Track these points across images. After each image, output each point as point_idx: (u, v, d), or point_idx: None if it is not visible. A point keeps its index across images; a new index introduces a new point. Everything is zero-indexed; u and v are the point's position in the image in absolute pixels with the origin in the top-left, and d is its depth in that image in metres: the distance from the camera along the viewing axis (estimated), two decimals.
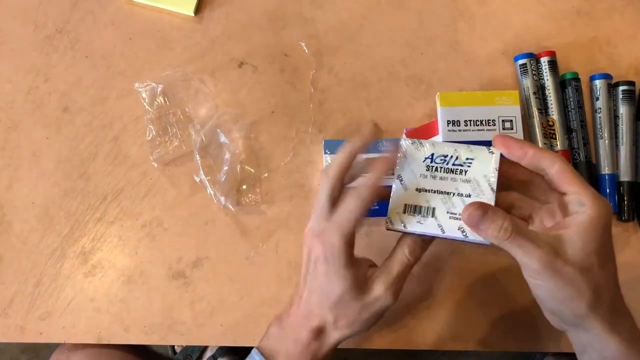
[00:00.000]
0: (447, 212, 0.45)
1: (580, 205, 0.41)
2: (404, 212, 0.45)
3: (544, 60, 0.63)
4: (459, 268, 0.60)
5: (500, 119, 0.60)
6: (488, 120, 0.60)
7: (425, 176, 0.46)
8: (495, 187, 0.44)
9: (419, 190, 0.45)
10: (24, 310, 0.60)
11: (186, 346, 1.09)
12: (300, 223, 0.61)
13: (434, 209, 0.45)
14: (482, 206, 0.41)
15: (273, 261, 0.60)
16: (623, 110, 0.61)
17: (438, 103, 0.60)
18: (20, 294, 0.60)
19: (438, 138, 0.60)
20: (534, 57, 0.63)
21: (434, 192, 0.45)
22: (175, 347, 1.13)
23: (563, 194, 0.43)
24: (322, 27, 0.66)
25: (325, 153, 0.61)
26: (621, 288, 0.60)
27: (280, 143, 0.63)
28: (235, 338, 0.59)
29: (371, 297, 0.45)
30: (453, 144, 0.46)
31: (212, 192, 0.60)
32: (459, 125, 0.60)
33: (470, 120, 0.60)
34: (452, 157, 0.45)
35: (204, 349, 1.06)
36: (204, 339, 0.60)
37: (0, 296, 0.60)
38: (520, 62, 0.63)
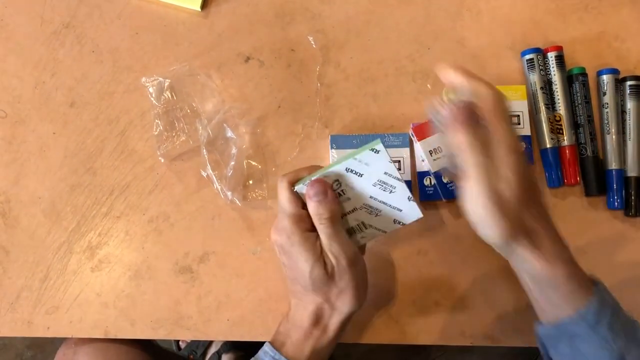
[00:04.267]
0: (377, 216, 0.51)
1: (496, 139, 0.43)
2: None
3: (551, 56, 0.62)
4: (466, 264, 0.60)
5: None
6: None
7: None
8: (399, 176, 0.49)
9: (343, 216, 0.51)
10: (31, 304, 0.60)
11: (191, 341, 1.09)
12: None
13: (363, 223, 0.52)
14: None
15: None
16: (630, 105, 0.61)
17: (445, 98, 0.60)
18: (27, 288, 0.60)
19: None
20: (541, 52, 0.63)
21: (356, 210, 0.51)
22: (180, 343, 1.13)
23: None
24: (329, 22, 0.66)
25: (332, 148, 0.61)
26: (629, 285, 0.61)
27: (286, 138, 0.63)
28: (242, 333, 0.59)
29: (328, 268, 0.48)
30: (337, 165, 0.49)
31: (218, 187, 0.60)
32: None
33: None
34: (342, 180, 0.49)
35: (208, 344, 1.06)
36: (210, 333, 0.60)
37: (7, 291, 0.60)
38: (527, 57, 0.63)
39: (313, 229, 0.49)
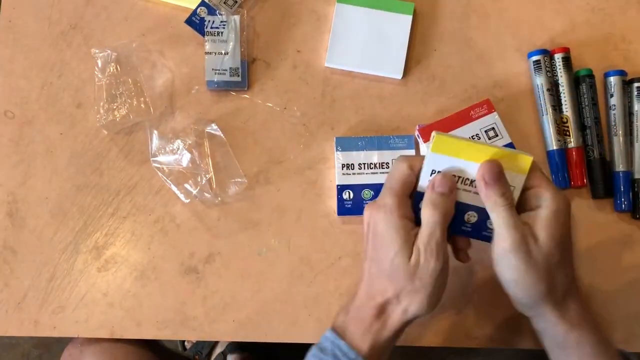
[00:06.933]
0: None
1: (543, 200, 0.45)
2: None
3: (558, 57, 0.62)
4: (471, 266, 0.59)
5: None
6: None
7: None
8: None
9: None
10: (37, 304, 0.60)
11: (196, 342, 1.09)
12: (312, 219, 0.61)
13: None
14: (500, 167, 0.44)
15: (285, 257, 0.61)
16: (638, 107, 0.61)
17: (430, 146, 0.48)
18: (34, 288, 0.61)
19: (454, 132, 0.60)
20: (548, 54, 0.62)
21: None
22: (186, 343, 1.14)
23: (526, 189, 0.46)
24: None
25: (337, 150, 0.61)
26: (636, 288, 0.60)
27: (292, 139, 0.63)
28: (247, 334, 0.59)
29: (412, 262, 0.45)
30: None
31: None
32: None
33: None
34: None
35: (214, 345, 1.06)
36: (215, 334, 0.60)
37: (14, 290, 0.61)
38: (534, 58, 0.62)
39: (410, 217, 0.47)
